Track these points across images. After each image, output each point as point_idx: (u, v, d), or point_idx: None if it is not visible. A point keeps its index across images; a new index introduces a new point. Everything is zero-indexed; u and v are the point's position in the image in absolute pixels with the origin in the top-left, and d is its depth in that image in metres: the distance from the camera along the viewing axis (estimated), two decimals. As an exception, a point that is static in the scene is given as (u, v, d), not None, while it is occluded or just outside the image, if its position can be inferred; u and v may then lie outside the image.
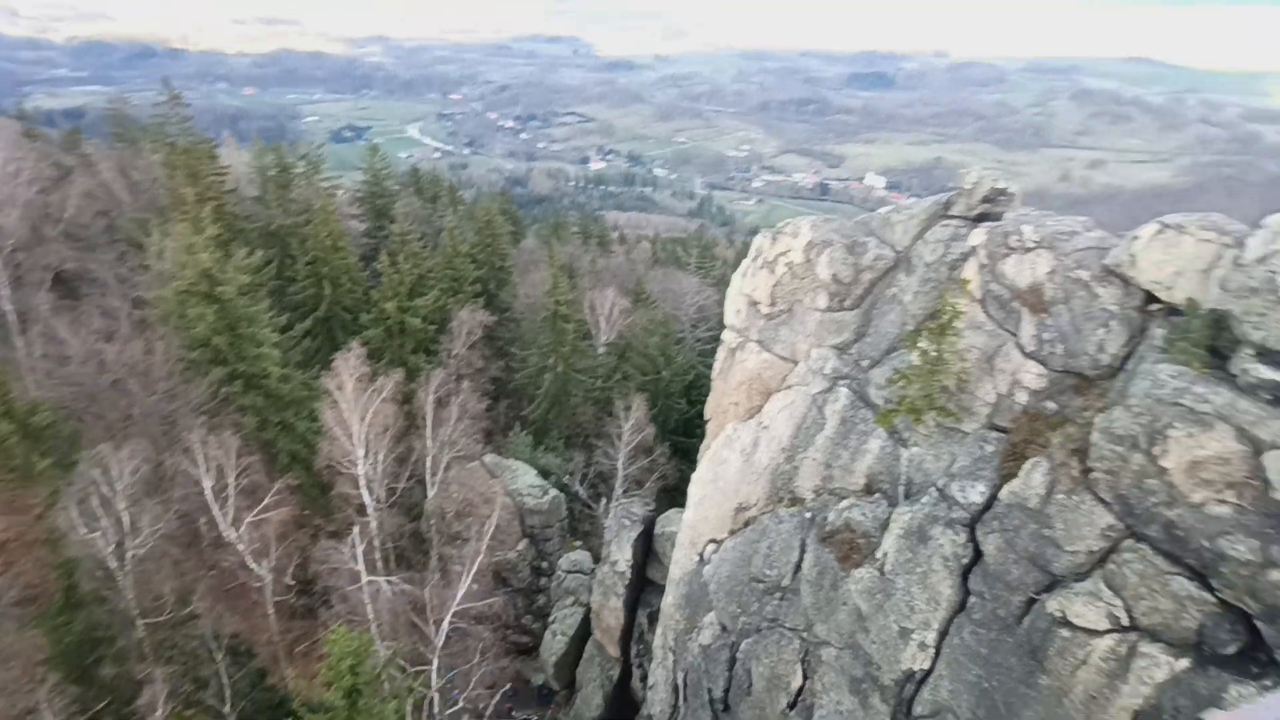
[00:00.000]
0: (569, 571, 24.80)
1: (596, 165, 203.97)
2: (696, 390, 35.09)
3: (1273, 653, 7.74)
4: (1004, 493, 9.96)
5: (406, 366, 27.17)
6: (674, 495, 27.37)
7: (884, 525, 11.97)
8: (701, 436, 18.57)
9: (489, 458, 27.81)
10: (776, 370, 15.32)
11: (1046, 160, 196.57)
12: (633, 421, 30.18)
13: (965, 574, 10.52)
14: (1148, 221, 9.67)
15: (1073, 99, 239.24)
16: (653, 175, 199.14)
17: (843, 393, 13.56)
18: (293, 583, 20.96)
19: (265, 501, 19.59)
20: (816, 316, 14.17)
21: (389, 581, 19.55)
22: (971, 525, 10.45)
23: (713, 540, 16.39)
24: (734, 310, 15.94)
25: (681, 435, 34.35)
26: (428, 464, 22.57)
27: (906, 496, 11.83)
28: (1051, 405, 10.05)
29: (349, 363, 19.74)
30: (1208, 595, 8.06)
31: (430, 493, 22.97)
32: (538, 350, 34.73)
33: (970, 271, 11.07)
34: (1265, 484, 7.47)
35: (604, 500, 31.02)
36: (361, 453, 19.63)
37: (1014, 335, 10.47)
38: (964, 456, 10.93)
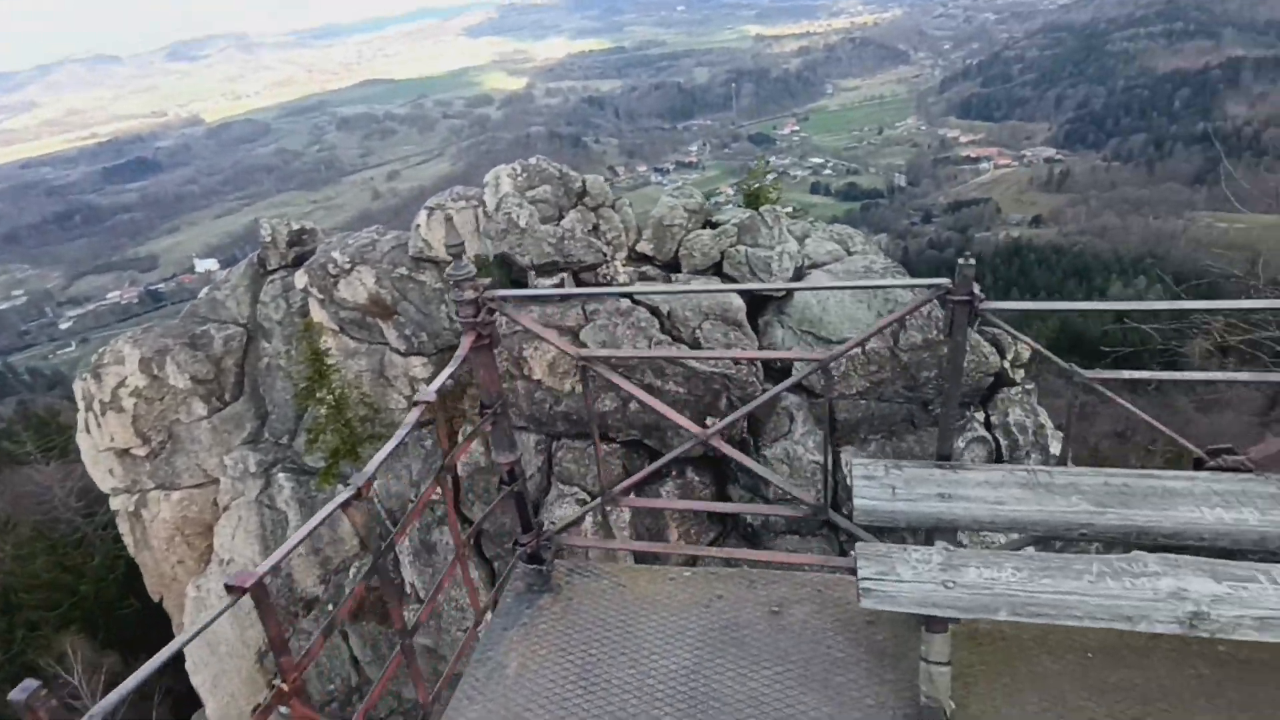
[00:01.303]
0: None
1: None
2: (136, 578, 28.04)
3: (662, 453, 10.70)
4: (460, 468, 11.01)
5: None
6: (190, 701, 22.13)
7: (396, 564, 12.04)
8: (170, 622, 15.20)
9: None
10: (200, 502, 13.35)
11: (353, 186, 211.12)
12: (80, 667, 22.63)
13: (480, 552, 11.45)
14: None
15: (340, 129, 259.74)
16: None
17: (282, 478, 12.70)
18: None
19: None
20: (206, 426, 12.69)
21: None
22: (457, 509, 11.32)
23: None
24: (105, 472, 13.04)
25: (154, 635, 27.35)
26: None
27: (394, 524, 12.03)
28: (449, 381, 11.35)
29: None
30: (614, 445, 10.59)
31: None
32: None
33: (316, 311, 11.38)
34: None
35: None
36: None
37: (386, 344, 11.33)
38: (416, 461, 11.60)
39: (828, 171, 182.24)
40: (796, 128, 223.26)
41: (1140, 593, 2.22)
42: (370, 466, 2.94)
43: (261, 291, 12.60)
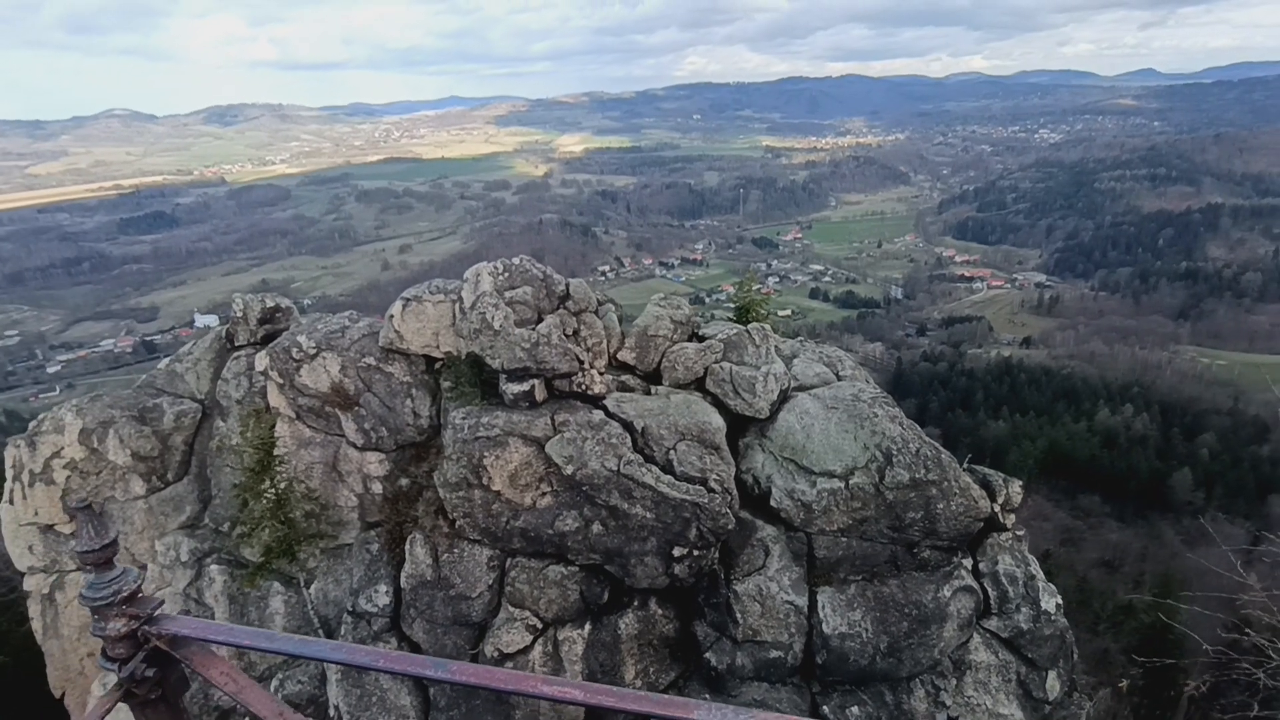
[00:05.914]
0: None
1: None
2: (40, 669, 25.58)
3: (624, 581, 9.84)
4: (404, 580, 10.09)
5: None
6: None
7: (322, 678, 10.90)
8: None
9: None
10: (125, 587, 12.28)
11: (364, 256, 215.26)
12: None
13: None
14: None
15: (359, 200, 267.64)
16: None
17: (214, 570, 11.69)
18: None
19: None
20: (141, 506, 11.80)
21: None
22: (395, 626, 10.31)
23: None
24: (25, 548, 12.00)
25: None
26: None
27: (329, 635, 10.96)
28: (405, 481, 10.61)
29: None
30: (572, 568, 9.74)
31: None
32: None
33: (273, 395, 10.76)
34: (558, 467, 9.36)
35: None
36: None
37: (342, 436, 10.64)
38: (359, 567, 10.68)
39: (827, 279, 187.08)
40: (800, 235, 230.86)
41: None
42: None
43: (225, 367, 12.01)
